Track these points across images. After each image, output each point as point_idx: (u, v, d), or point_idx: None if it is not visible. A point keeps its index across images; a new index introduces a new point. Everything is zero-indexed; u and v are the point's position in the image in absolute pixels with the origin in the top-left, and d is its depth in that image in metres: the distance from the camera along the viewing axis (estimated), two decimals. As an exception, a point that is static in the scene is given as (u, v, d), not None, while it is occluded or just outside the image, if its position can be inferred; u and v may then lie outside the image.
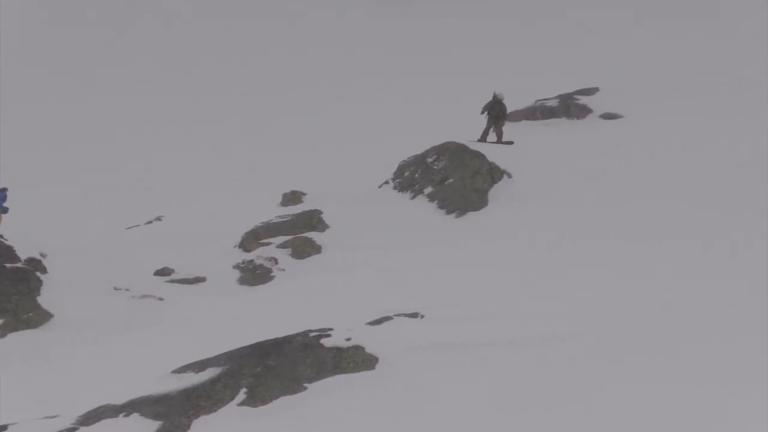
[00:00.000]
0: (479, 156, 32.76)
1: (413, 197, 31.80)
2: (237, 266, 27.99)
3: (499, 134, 34.32)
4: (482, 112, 35.35)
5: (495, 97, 34.41)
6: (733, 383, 16.33)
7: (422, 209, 30.89)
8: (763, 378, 16.28)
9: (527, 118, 41.44)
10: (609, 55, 51.13)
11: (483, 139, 34.29)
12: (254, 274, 27.46)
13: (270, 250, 28.48)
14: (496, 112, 34.27)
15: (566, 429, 15.71)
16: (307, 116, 47.00)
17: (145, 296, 25.92)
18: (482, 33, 60.52)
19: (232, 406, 18.16)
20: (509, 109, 37.35)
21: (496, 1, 65.50)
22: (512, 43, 56.59)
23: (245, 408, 18.04)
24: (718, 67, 46.39)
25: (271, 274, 27.52)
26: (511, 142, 33.58)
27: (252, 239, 29.18)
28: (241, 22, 72.24)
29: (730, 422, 14.97)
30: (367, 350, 19.29)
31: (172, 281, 27.33)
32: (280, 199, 32.92)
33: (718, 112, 37.81)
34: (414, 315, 21.19)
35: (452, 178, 31.70)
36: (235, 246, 29.27)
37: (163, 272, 27.66)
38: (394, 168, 33.78)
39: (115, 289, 26.26)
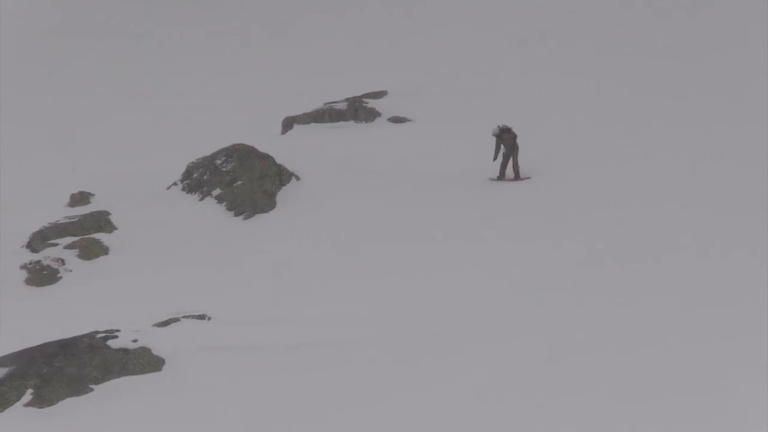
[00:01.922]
0: (267, 158, 33.16)
1: (202, 199, 31.97)
2: (24, 267, 27.80)
3: (516, 168, 31.13)
4: (494, 159, 31.44)
5: (500, 129, 30.96)
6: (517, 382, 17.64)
7: (211, 211, 31.09)
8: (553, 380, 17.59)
9: (316, 121, 41.76)
10: (399, 58, 51.44)
11: (502, 175, 31.24)
12: (41, 275, 27.39)
13: (57, 251, 28.42)
14: (507, 143, 30.89)
15: (356, 428, 16.62)
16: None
17: (-72, 296, 25.58)
18: (264, 31, 60.09)
19: (18, 407, 18.34)
20: None
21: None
22: (298, 43, 56.55)
23: (31, 409, 18.27)
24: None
25: (59, 275, 27.48)
26: (528, 178, 31.10)
27: (39, 240, 29.05)
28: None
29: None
30: (154, 352, 19.76)
31: (-44, 281, 27.06)
32: (68, 200, 32.68)
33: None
34: (201, 317, 21.71)
35: (241, 180, 32.04)
36: (22, 246, 29.03)
37: (-53, 272, 27.36)
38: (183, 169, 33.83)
39: None
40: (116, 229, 29.89)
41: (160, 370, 19.32)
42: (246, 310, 22.42)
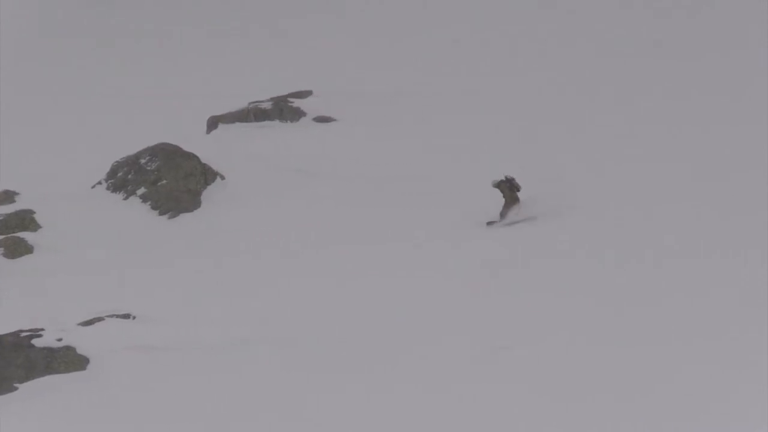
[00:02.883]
0: (192, 157, 33.24)
1: (126, 198, 31.97)
2: (-54, 265, 27.80)
3: (504, 212, 28.08)
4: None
5: (500, 181, 27.99)
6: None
7: (135, 210, 31.12)
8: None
9: (240, 120, 41.83)
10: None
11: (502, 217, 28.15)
12: (-36, 274, 27.40)
13: (-19, 250, 28.44)
14: (504, 194, 27.95)
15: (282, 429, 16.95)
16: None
17: None
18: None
19: (-57, 405, 18.41)
20: None
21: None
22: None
23: (-44, 408, 18.33)
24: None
25: (-18, 273, 27.51)
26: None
27: (-38, 238, 29.05)
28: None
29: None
30: (79, 351, 19.95)
31: None
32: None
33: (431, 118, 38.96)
34: (126, 316, 21.89)
35: (165, 180, 32.12)
36: (-55, 244, 28.95)
37: None
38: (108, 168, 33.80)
39: None
40: (41, 227, 29.89)
41: (84, 369, 19.53)
42: (170, 309, 22.61)
